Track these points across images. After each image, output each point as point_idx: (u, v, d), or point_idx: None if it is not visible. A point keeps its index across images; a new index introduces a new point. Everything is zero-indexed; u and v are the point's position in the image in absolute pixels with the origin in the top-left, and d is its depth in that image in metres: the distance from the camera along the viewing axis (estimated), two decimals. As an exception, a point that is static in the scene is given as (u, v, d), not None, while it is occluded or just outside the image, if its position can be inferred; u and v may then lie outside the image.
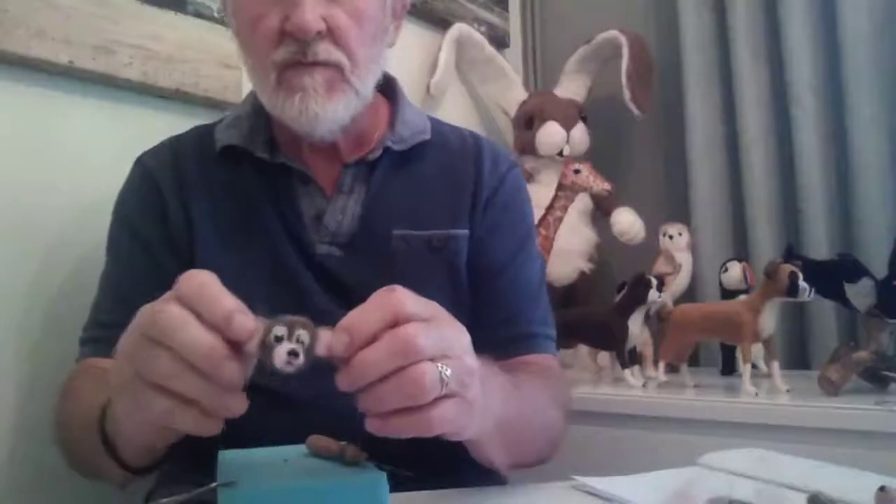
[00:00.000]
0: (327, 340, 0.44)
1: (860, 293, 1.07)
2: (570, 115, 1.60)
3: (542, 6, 1.93)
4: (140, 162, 0.85)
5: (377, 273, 0.72)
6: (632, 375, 1.22)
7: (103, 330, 0.78)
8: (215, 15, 1.14)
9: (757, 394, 1.06)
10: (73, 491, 0.91)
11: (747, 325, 1.08)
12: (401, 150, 0.83)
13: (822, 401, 1.01)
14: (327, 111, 0.73)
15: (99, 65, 1.01)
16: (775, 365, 1.10)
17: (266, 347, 0.43)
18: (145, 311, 0.45)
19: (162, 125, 0.99)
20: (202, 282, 0.44)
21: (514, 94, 1.71)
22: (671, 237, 1.43)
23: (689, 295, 1.46)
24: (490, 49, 1.70)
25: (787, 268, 1.05)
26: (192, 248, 0.79)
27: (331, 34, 0.71)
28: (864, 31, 1.35)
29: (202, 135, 0.85)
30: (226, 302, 0.43)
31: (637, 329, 1.21)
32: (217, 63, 1.14)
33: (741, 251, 1.49)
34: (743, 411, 1.02)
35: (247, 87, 0.86)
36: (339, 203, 0.80)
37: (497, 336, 0.78)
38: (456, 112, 1.70)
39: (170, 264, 0.78)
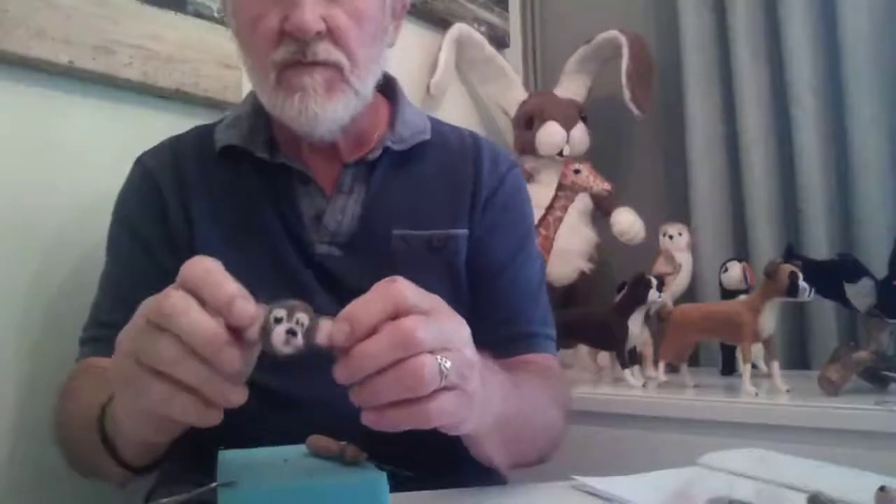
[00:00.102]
0: (328, 329, 0.44)
1: (860, 293, 1.07)
2: (570, 115, 1.60)
3: (542, 6, 1.93)
4: (140, 162, 0.85)
5: (377, 273, 0.71)
6: (632, 375, 1.22)
7: (103, 330, 0.78)
8: (215, 15, 1.14)
9: (757, 394, 1.06)
10: (73, 491, 0.91)
11: (747, 325, 1.08)
12: (401, 150, 0.83)
13: (822, 401, 1.01)
14: (327, 111, 0.73)
15: (99, 65, 1.01)
16: (775, 365, 1.10)
17: (266, 332, 0.43)
18: (148, 302, 0.45)
19: (162, 125, 0.99)
20: (206, 267, 0.44)
21: (514, 94, 1.71)
22: (671, 237, 1.43)
23: (689, 295, 1.46)
24: (490, 49, 1.70)
25: (787, 268, 1.05)
26: (192, 248, 0.79)
27: (330, 34, 0.71)
28: (864, 31, 1.35)
29: (202, 135, 0.85)
30: (228, 287, 0.43)
31: (637, 329, 1.21)
32: (217, 63, 1.14)
33: (741, 251, 1.49)
34: (743, 411, 1.02)
35: (247, 87, 0.86)
36: (339, 203, 0.80)
37: (497, 335, 0.78)
38: (456, 112, 1.70)
39: (170, 264, 0.77)
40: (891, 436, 0.90)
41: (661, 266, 1.39)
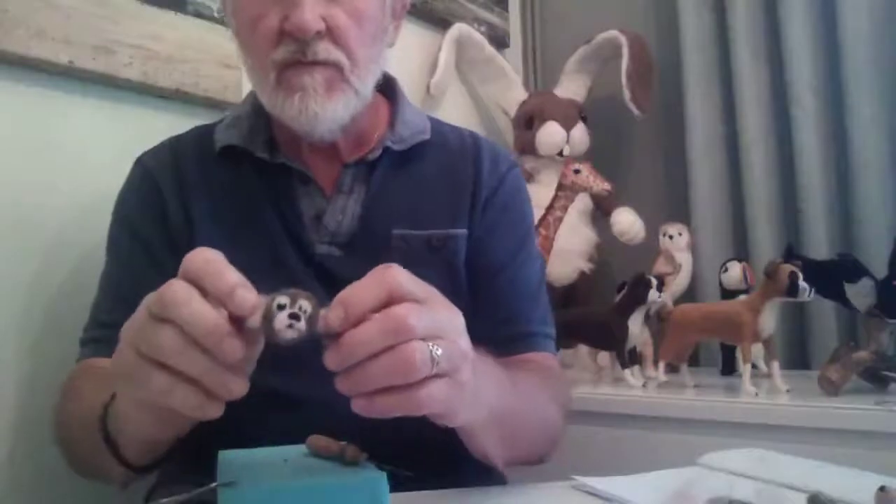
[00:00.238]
0: (324, 314, 0.44)
1: (860, 293, 1.07)
2: (570, 115, 1.60)
3: (542, 6, 1.93)
4: (140, 162, 0.85)
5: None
6: (632, 375, 1.22)
7: (103, 330, 0.78)
8: (215, 15, 1.14)
9: (757, 394, 1.06)
10: (73, 491, 0.91)
11: (747, 325, 1.08)
12: (400, 150, 0.83)
13: (822, 401, 1.01)
14: (327, 111, 0.73)
15: (99, 65, 1.01)
16: (775, 365, 1.10)
17: (268, 319, 0.43)
18: (151, 295, 0.45)
19: (162, 125, 1.00)
20: (207, 258, 0.45)
21: (514, 94, 1.71)
22: (671, 237, 1.43)
23: (689, 295, 1.46)
24: (490, 49, 1.70)
25: (787, 268, 1.05)
26: (192, 248, 0.78)
27: (330, 34, 0.71)
28: (864, 31, 1.35)
29: (202, 135, 0.85)
30: (229, 276, 0.44)
31: (637, 329, 1.21)
32: (217, 63, 1.14)
33: (741, 251, 1.49)
34: (743, 411, 1.02)
35: (247, 87, 0.86)
36: (339, 203, 0.80)
37: (496, 335, 0.78)
38: (456, 112, 1.70)
39: (170, 264, 0.77)
40: (891, 436, 0.90)
41: (661, 266, 1.39)
